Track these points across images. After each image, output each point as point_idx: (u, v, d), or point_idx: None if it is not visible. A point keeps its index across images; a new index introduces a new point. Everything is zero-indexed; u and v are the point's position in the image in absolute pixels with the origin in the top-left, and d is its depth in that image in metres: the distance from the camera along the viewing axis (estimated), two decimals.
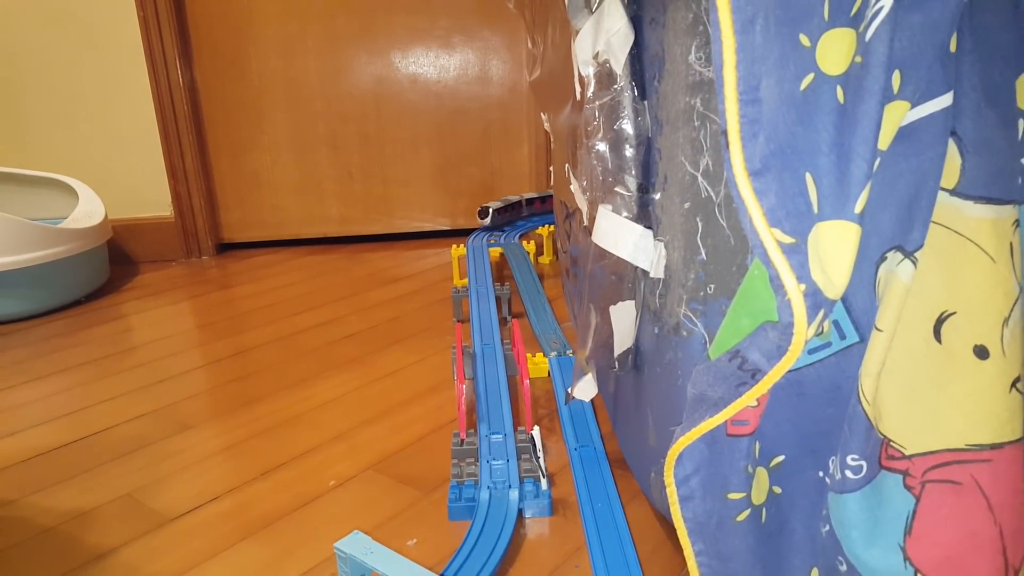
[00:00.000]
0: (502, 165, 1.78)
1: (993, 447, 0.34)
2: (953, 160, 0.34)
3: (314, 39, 1.64)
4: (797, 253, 0.33)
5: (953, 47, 0.32)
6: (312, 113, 1.69)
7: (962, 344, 0.34)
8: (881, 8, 0.31)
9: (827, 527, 0.40)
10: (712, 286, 0.43)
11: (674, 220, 0.46)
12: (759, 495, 0.42)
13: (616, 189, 0.49)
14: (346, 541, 0.53)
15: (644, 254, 0.49)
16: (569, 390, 0.66)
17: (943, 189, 0.34)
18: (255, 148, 1.69)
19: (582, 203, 0.59)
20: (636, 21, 0.48)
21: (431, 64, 1.69)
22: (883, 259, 0.36)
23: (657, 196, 0.48)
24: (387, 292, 1.34)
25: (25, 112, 1.57)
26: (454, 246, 1.34)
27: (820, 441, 0.40)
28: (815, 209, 0.33)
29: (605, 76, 0.49)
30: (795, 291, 0.33)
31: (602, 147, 0.49)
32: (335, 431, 0.80)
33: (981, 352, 0.34)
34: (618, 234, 0.50)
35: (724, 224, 0.42)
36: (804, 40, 0.32)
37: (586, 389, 0.65)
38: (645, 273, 0.50)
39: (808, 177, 0.33)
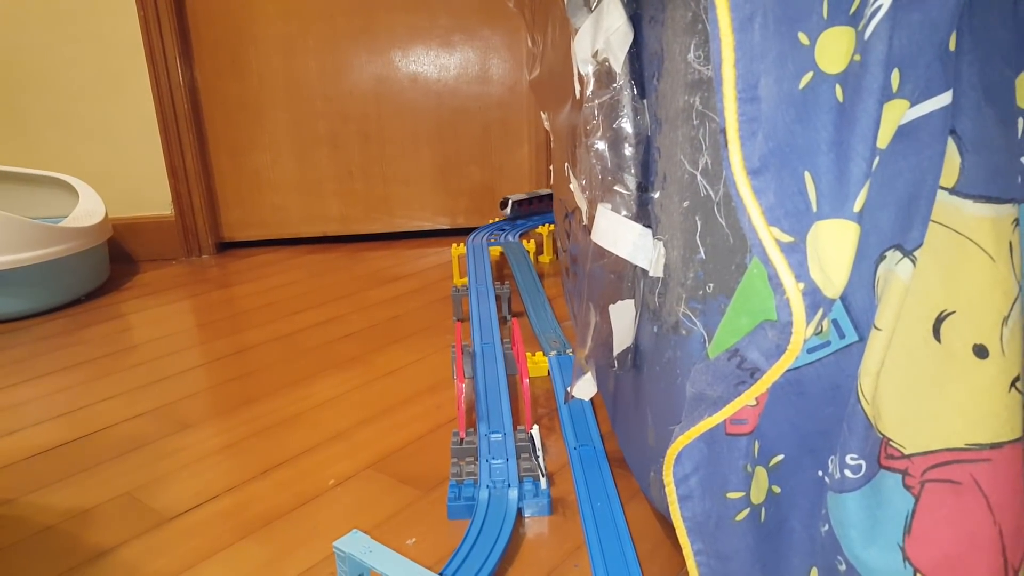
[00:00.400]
0: (502, 164, 1.78)
1: (992, 446, 0.34)
2: (952, 159, 0.34)
3: (314, 38, 1.64)
4: (796, 252, 0.33)
5: (952, 45, 0.32)
6: (312, 112, 1.69)
7: (961, 343, 0.34)
8: (880, 6, 0.31)
9: (826, 526, 0.40)
10: (711, 285, 0.43)
11: (673, 219, 0.46)
12: (758, 494, 0.42)
13: (615, 188, 0.49)
14: (345, 540, 0.53)
15: (643, 253, 0.49)
16: (568, 389, 0.66)
17: (942, 188, 0.34)
18: (255, 147, 1.69)
19: (581, 202, 0.59)
20: (635, 19, 0.48)
21: (431, 63, 1.69)
22: (882, 258, 0.35)
23: (656, 195, 0.48)
24: (387, 291, 1.34)
25: (26, 111, 1.57)
26: (454, 245, 1.34)
27: (819, 440, 0.40)
28: (814, 208, 0.33)
29: (604, 75, 0.49)
30: (794, 290, 0.33)
31: (601, 146, 0.49)
32: (334, 430, 0.80)
33: (980, 351, 0.34)
34: (617, 233, 0.50)
35: (723, 223, 0.42)
36: (803, 38, 0.32)
37: (585, 388, 0.65)
38: (644, 272, 0.50)
39: (807, 176, 0.33)
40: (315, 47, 1.64)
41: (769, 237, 0.33)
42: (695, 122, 0.42)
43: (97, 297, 1.40)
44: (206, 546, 0.61)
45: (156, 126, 1.60)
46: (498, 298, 1.12)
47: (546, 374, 0.91)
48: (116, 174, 1.62)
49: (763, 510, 0.42)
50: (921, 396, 0.35)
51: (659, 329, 0.50)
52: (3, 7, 1.50)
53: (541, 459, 0.65)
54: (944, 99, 0.33)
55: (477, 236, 1.50)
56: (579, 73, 0.53)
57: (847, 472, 0.38)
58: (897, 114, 0.33)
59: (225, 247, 1.76)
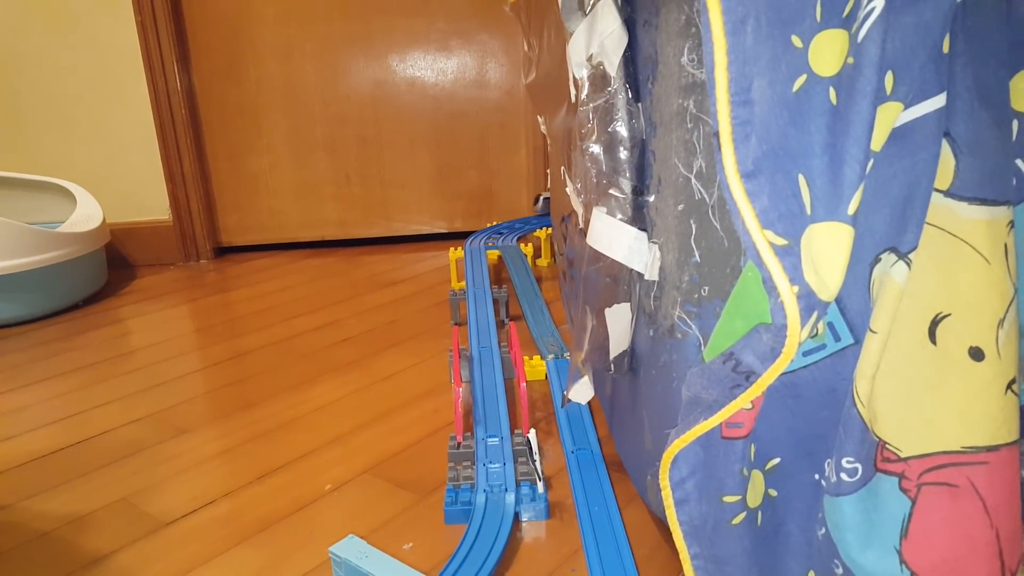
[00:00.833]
0: (500, 168, 1.78)
1: (989, 449, 0.34)
2: (947, 161, 0.34)
3: (312, 43, 1.64)
4: (790, 255, 0.33)
5: (946, 48, 0.32)
6: (310, 117, 1.69)
7: (957, 346, 0.34)
8: (873, 9, 0.31)
9: (823, 530, 0.39)
10: (706, 288, 0.43)
11: (668, 222, 0.46)
12: (755, 498, 0.42)
13: (610, 191, 0.49)
14: (341, 545, 0.53)
15: (638, 256, 0.49)
16: (565, 393, 0.66)
17: (937, 190, 0.34)
18: (253, 152, 1.69)
19: (577, 205, 0.59)
20: (629, 23, 0.48)
21: (429, 67, 1.69)
22: (877, 261, 0.35)
23: (651, 198, 0.48)
24: (385, 295, 1.34)
25: (23, 116, 1.57)
26: (452, 249, 1.34)
27: (815, 444, 0.40)
28: (808, 211, 0.33)
29: (599, 78, 0.49)
30: (788, 293, 0.33)
31: (596, 149, 0.49)
32: (331, 435, 0.80)
33: (976, 354, 0.34)
34: (612, 236, 0.50)
35: (718, 226, 0.41)
36: (796, 41, 0.32)
37: (582, 392, 0.64)
38: (640, 275, 0.50)
39: (801, 178, 0.33)
40: (313, 52, 1.65)
41: (763, 240, 0.33)
42: (689, 125, 0.42)
43: (95, 302, 1.39)
44: (203, 551, 0.60)
45: (154, 131, 1.60)
46: (496, 302, 1.12)
47: (543, 378, 0.91)
48: (114, 179, 1.62)
49: (760, 514, 0.42)
50: (917, 399, 0.35)
51: (655, 332, 0.50)
52: (1, 12, 1.50)
53: (538, 463, 0.65)
54: (938, 101, 0.33)
55: (475, 240, 1.50)
56: (574, 77, 0.53)
57: (843, 475, 0.37)
58: (891, 117, 0.33)
59: (223, 252, 1.76)
